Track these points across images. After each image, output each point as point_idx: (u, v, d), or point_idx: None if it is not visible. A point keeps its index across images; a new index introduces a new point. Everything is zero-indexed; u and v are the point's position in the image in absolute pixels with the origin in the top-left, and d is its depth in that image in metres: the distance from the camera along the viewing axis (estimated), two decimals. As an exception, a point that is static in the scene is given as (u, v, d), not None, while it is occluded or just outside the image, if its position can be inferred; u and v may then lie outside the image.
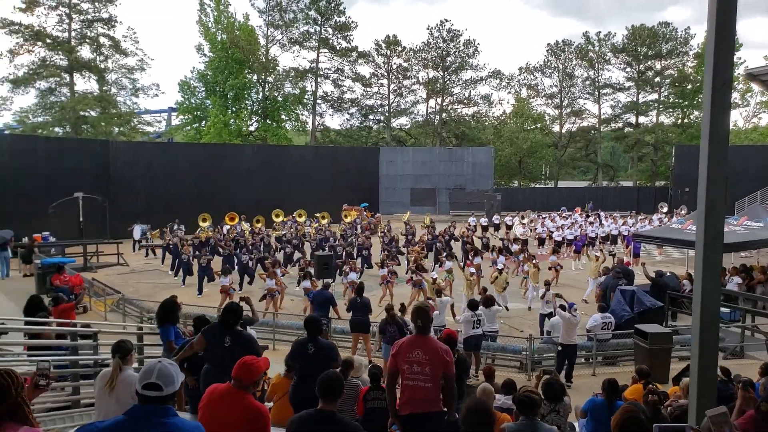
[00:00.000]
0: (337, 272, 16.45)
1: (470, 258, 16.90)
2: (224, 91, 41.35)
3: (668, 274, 13.66)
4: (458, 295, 14.08)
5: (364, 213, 29.42)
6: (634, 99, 48.61)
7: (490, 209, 31.78)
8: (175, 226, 23.28)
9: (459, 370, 6.01)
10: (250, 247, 18.33)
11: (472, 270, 14.18)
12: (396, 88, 50.07)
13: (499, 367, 10.12)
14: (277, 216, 24.58)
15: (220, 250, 18.67)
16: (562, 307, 9.83)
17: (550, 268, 16.39)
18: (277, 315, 11.91)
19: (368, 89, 49.84)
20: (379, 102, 50.42)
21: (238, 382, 3.60)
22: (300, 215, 25.20)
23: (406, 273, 17.51)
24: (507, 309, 12.57)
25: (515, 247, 18.68)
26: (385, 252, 17.91)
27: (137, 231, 23.68)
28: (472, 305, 9.89)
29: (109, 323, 11.77)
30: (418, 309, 4.57)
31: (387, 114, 50.33)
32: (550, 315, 11.38)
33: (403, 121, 53.86)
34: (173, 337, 6.16)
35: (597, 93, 49.55)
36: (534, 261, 15.05)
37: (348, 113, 51.09)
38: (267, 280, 13.49)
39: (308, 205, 28.06)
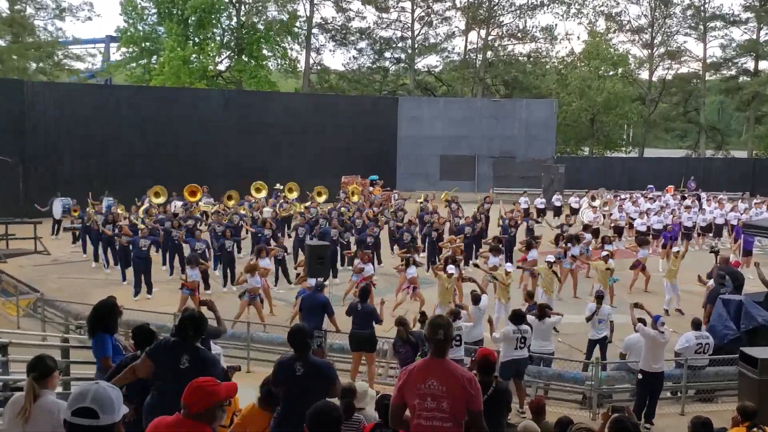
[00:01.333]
0: (340, 265, 16.73)
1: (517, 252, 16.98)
2: (183, 14, 41.41)
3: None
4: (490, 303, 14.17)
5: (370, 188, 29.52)
6: (754, 36, 47.82)
7: (550, 186, 31.69)
8: (105, 201, 23.18)
9: (496, 404, 6.16)
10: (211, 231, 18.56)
11: (509, 267, 14.22)
12: (423, 14, 49.83)
13: (554, 402, 10.22)
14: (259, 191, 24.74)
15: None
16: (642, 321, 9.91)
17: (633, 267, 16.43)
18: (249, 325, 12.07)
19: (384, 15, 49.68)
20: (399, 34, 50.34)
21: (186, 409, 3.71)
22: (290, 190, 25.35)
23: (428, 271, 17.70)
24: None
25: (585, 239, 18.70)
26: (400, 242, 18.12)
27: (57, 207, 23.16)
28: (516, 317, 9.99)
29: (23, 332, 11.94)
30: (434, 322, 4.67)
31: (410, 51, 50.16)
32: (604, 341, 11.46)
33: (432, 61, 53.95)
34: (110, 352, 6.26)
35: (702, 27, 48.86)
36: (606, 256, 15.04)
37: (355, 49, 51.13)
38: (248, 277, 13.72)
39: (298, 176, 28.16)
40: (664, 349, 9.79)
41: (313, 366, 5.50)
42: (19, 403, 4.49)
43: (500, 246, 16.65)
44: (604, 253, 15.21)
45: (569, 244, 16.79)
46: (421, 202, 23.82)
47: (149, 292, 15.95)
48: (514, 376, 9.81)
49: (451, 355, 8.99)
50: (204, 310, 7.04)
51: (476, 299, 11.52)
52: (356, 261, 15.65)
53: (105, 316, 6.39)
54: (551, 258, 14.72)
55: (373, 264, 16.25)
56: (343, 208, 22.41)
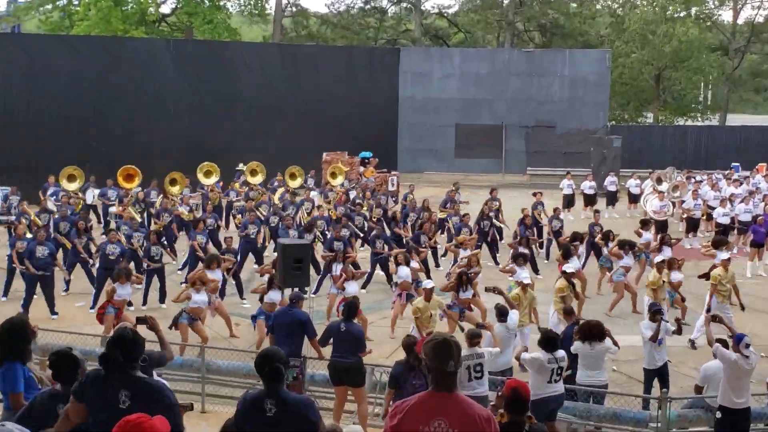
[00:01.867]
0: (323, 273, 16.76)
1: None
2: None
3: None
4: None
5: (360, 169, 29.43)
6: None
7: (602, 165, 31.67)
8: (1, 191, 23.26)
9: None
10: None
11: (526, 279, 14.10)
12: (431, -62, 49.61)
13: (608, 450, 10.28)
14: (209, 174, 24.66)
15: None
16: (722, 342, 9.91)
17: (705, 276, 16.36)
18: (204, 351, 12.08)
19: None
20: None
21: None
22: (254, 172, 25.35)
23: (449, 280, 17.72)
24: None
25: (645, 236, 18.69)
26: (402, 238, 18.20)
27: None
28: (549, 342, 9.94)
29: None
30: (438, 346, 4.65)
31: (414, -13, 50.04)
32: (665, 368, 11.43)
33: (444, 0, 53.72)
34: (21, 387, 6.28)
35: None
36: (661, 262, 15.01)
37: (343, -17, 50.93)
38: (192, 292, 13.66)
39: (266, 155, 28.12)
40: (749, 379, 9.80)
41: (289, 404, 5.45)
42: None
43: (526, 253, 16.68)
44: (659, 259, 15.13)
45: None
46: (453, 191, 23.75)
47: (52, 311, 15.96)
48: (546, 417, 9.79)
49: (472, 392, 9.11)
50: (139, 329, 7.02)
51: (502, 313, 11.48)
52: (335, 267, 15.63)
53: (13, 339, 6.38)
54: (569, 268, 14.69)
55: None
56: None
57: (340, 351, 10.51)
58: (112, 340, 5.26)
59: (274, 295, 13.57)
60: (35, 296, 16.11)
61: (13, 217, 20.56)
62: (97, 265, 16.55)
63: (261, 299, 13.89)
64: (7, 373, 6.30)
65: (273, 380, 5.53)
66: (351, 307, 11.01)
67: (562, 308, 12.66)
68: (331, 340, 10.74)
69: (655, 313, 11.60)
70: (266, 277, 14.56)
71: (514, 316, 11.61)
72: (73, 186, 22.73)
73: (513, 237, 19.53)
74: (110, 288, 14.11)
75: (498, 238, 21.02)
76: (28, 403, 5.80)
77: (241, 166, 25.93)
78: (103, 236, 19.03)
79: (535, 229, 20.82)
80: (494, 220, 20.97)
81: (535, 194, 23.09)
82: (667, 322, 11.58)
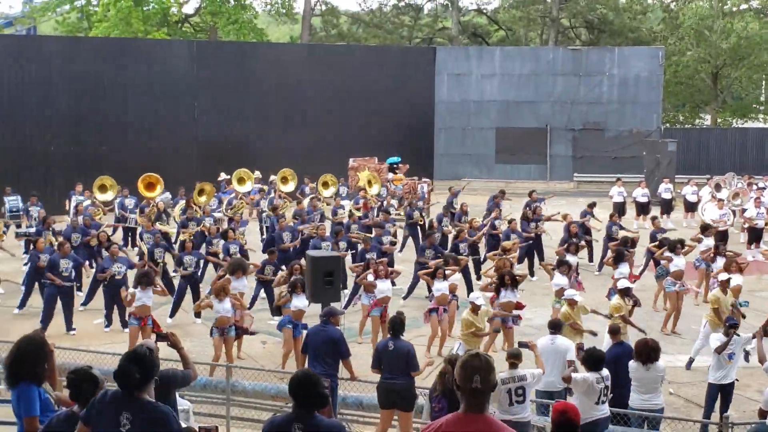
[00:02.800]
0: (354, 287, 16.83)
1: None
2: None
3: None
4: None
5: (389, 175, 29.43)
6: None
7: (655, 170, 31.41)
8: (6, 200, 23.40)
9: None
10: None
11: (574, 294, 13.96)
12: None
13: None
14: (242, 181, 24.83)
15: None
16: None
17: None
18: (230, 370, 12.09)
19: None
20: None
21: None
22: (285, 180, 25.48)
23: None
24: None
25: (706, 242, 18.54)
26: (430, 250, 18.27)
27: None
28: (596, 361, 9.86)
29: None
30: (478, 359, 4.60)
31: (451, -17, 50.13)
32: (731, 387, 11.31)
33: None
34: (37, 410, 6.27)
35: None
36: (725, 280, 14.80)
37: (375, -18, 51.17)
38: (213, 300, 13.68)
39: (295, 161, 28.24)
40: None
41: (320, 429, 5.44)
42: None
43: (569, 261, 16.53)
44: (723, 277, 14.92)
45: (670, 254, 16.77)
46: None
47: (69, 327, 16.07)
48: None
49: (512, 416, 9.07)
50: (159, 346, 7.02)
51: (555, 327, 11.41)
52: (367, 276, 15.49)
53: (29, 359, 6.38)
54: (626, 283, 14.47)
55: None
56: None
57: (391, 371, 10.38)
58: (129, 356, 5.28)
59: (298, 302, 13.54)
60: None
61: (32, 230, 20.65)
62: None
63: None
64: (22, 396, 6.29)
65: (309, 404, 5.49)
66: (396, 323, 10.72)
67: (610, 326, 12.55)
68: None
69: (730, 327, 11.48)
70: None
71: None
72: (105, 196, 22.90)
73: (560, 243, 19.40)
74: (130, 295, 14.17)
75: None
76: (44, 427, 5.84)
77: (222, 176, 25.99)
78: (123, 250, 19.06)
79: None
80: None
81: (589, 206, 22.69)
82: (740, 336, 11.48)
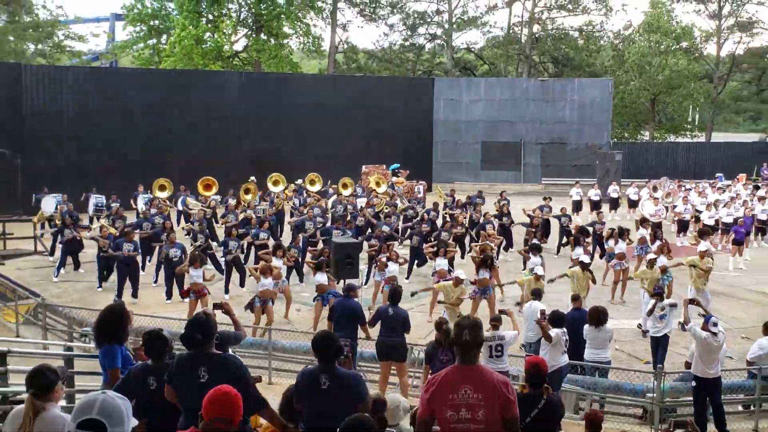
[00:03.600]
0: (370, 268, 16.79)
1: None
2: (196, -12, 41.66)
3: None
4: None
5: (393, 179, 29.34)
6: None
7: (605, 176, 31.41)
8: (93, 198, 23.20)
9: (549, 419, 6.15)
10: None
11: (539, 270, 13.98)
12: (461, -15, 49.67)
13: (612, 416, 10.18)
14: (277, 183, 24.79)
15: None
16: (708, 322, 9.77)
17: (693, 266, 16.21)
18: (271, 332, 12.14)
19: (417, -13, 49.59)
20: (434, 7, 50.29)
21: (212, 424, 3.66)
22: (312, 182, 25.47)
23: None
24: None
25: (641, 232, 18.51)
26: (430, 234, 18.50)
27: (49, 203, 22.24)
28: (558, 320, 9.97)
29: (22, 340, 12.15)
30: (468, 320, 4.67)
31: (447, 26, 50.02)
32: (665, 339, 11.50)
33: (472, 37, 54.50)
34: (119, 364, 6.29)
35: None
36: (652, 260, 14.74)
37: (386, 24, 51.21)
38: (261, 278, 13.71)
39: (323, 167, 28.26)
40: (720, 354, 9.69)
41: (341, 379, 5.42)
42: (18, 418, 4.47)
43: (541, 245, 16.78)
44: (651, 256, 14.90)
45: (611, 242, 16.98)
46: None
47: (134, 295, 16.07)
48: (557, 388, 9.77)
49: (495, 367, 9.11)
50: (217, 313, 7.06)
51: (536, 294, 11.60)
52: (382, 257, 15.54)
53: (113, 324, 6.39)
54: (586, 258, 14.58)
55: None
56: (375, 199, 23.34)
57: (388, 331, 10.54)
58: (191, 323, 5.25)
59: (320, 277, 13.65)
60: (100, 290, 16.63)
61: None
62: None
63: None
64: (106, 353, 6.32)
65: (329, 358, 5.52)
66: (395, 293, 10.93)
67: (572, 295, 12.63)
68: (380, 322, 10.75)
69: (655, 295, 11.96)
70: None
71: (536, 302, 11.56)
72: (163, 194, 22.80)
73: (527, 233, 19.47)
74: (184, 268, 14.28)
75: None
76: (125, 375, 5.80)
77: (298, 181, 26.12)
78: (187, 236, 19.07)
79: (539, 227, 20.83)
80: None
81: (544, 198, 23.36)
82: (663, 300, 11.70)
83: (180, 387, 5.07)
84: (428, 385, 4.67)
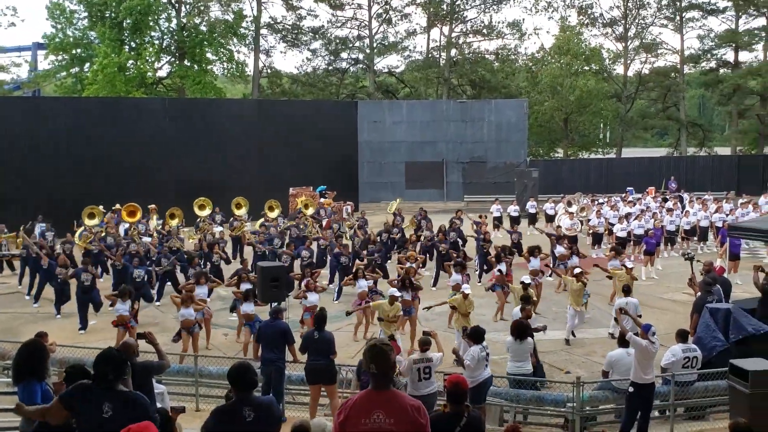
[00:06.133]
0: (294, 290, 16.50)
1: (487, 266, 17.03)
2: (117, 16, 40.96)
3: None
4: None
5: (321, 200, 29.18)
6: (732, 26, 49.00)
7: (523, 192, 31.90)
8: (38, 226, 22.79)
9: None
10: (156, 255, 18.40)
11: (467, 289, 13.89)
12: (381, 11, 50.11)
13: (534, 427, 10.24)
14: (203, 208, 24.40)
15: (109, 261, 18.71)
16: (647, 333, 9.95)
17: (610, 278, 16.60)
18: (197, 359, 11.83)
19: (339, 13, 49.93)
20: (356, 32, 50.55)
21: None
22: (238, 205, 25.10)
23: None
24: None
25: (559, 249, 18.81)
26: (361, 257, 18.38)
27: None
28: (477, 335, 9.97)
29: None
30: (374, 349, 4.61)
31: (368, 51, 50.31)
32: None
33: (393, 61, 54.64)
34: (39, 401, 6.06)
35: (679, 18, 49.92)
36: (577, 272, 14.99)
37: (309, 50, 51.17)
38: (181, 308, 13.34)
39: (246, 191, 27.83)
40: (653, 361, 9.89)
41: (263, 407, 5.38)
42: None
43: (465, 262, 16.76)
44: (577, 270, 15.10)
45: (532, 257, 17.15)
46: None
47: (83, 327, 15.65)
48: (484, 400, 9.77)
49: (420, 391, 9.11)
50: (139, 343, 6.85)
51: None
52: (303, 285, 14.98)
53: (32, 357, 6.22)
54: (527, 280, 14.57)
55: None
56: (302, 225, 22.89)
57: (315, 355, 10.36)
58: (102, 359, 5.10)
59: (246, 307, 13.55)
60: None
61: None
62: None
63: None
64: (24, 390, 6.13)
65: (247, 388, 5.40)
66: (320, 318, 10.76)
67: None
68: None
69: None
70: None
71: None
72: (93, 222, 22.33)
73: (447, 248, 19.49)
74: (189, 287, 14.21)
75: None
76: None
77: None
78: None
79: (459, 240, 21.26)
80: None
81: (456, 212, 24.04)
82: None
83: (82, 416, 4.98)
84: (342, 409, 4.63)
